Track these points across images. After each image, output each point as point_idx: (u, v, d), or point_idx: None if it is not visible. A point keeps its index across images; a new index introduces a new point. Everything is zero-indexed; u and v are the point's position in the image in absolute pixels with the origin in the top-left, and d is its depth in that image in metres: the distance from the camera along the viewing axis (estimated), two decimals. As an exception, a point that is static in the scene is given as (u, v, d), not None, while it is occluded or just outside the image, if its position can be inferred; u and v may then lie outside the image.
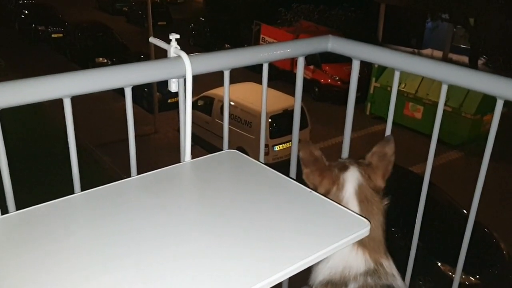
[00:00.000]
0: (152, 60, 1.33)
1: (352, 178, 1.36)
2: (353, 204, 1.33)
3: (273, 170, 1.37)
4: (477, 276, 7.14)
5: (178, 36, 1.35)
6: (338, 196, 1.35)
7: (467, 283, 7.06)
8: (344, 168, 1.39)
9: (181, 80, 1.40)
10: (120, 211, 1.16)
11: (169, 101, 12.88)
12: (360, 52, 1.60)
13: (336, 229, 1.13)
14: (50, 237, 1.05)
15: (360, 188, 1.35)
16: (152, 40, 1.44)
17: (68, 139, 1.26)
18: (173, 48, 1.35)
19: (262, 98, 1.67)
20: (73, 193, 1.27)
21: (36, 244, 1.02)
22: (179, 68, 1.34)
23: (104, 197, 1.21)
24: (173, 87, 1.39)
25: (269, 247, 1.05)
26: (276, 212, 1.19)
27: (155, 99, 12.47)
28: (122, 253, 1.01)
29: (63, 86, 1.20)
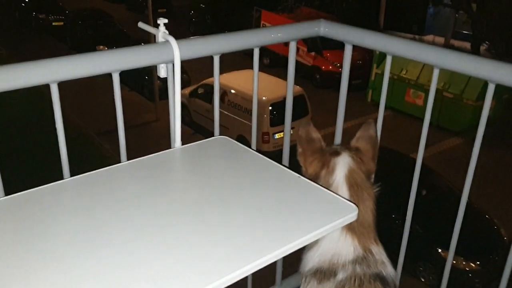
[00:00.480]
0: (140, 45, 1.32)
1: (343, 163, 1.36)
2: (343, 189, 1.33)
3: (263, 156, 1.37)
4: (478, 262, 7.18)
5: (166, 21, 1.33)
6: (328, 181, 1.34)
7: (467, 269, 7.10)
8: (335, 153, 1.39)
9: (170, 66, 1.39)
10: (108, 196, 1.16)
11: (169, 89, 12.86)
12: (352, 36, 1.59)
13: (324, 213, 1.13)
14: (38, 222, 1.05)
15: (351, 173, 1.35)
16: (141, 25, 1.43)
17: (56, 126, 1.26)
18: (161, 33, 1.33)
19: (254, 84, 1.66)
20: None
21: (24, 229, 1.02)
22: (167, 53, 1.33)
23: (93, 183, 1.21)
24: (161, 72, 1.38)
25: (257, 231, 1.06)
26: (264, 197, 1.19)
27: (156, 87, 12.45)
28: (109, 238, 1.01)
29: (50, 72, 1.19)
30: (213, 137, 1.50)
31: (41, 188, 1.16)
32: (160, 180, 1.25)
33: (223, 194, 1.19)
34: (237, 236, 1.03)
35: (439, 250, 7.17)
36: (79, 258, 0.95)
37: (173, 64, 1.35)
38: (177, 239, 1.02)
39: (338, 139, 1.79)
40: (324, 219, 1.10)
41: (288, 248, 1.01)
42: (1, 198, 1.15)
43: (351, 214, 1.13)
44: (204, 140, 1.47)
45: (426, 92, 12.29)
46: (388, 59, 1.53)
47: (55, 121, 1.25)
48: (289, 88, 1.74)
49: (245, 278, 1.80)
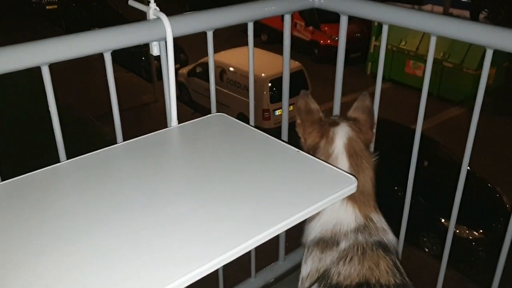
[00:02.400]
0: (131, 23, 1.30)
1: (342, 133, 1.35)
2: (343, 158, 1.32)
3: (261, 132, 1.36)
4: (481, 231, 7.23)
5: (156, -3, 1.31)
6: (327, 150, 1.34)
7: (471, 237, 7.15)
8: (334, 123, 1.38)
9: (163, 43, 1.36)
10: (106, 177, 1.16)
11: (167, 69, 12.77)
12: (346, 6, 1.56)
13: (323, 186, 1.13)
14: (37, 206, 1.05)
15: (350, 142, 1.34)
16: (131, 2, 1.40)
17: (50, 108, 1.24)
18: (152, 10, 1.31)
19: (249, 60, 1.64)
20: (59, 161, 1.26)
21: (23, 213, 1.02)
22: (159, 30, 1.30)
23: (90, 165, 1.21)
24: (154, 50, 1.36)
25: (257, 207, 1.05)
26: (263, 172, 1.19)
27: (153, 68, 12.35)
28: (108, 219, 1.01)
29: (40, 54, 1.17)
30: (209, 115, 1.49)
31: (38, 172, 1.15)
32: (158, 159, 1.24)
33: (221, 170, 1.19)
34: (238, 212, 1.03)
35: (442, 220, 7.21)
36: (80, 239, 0.95)
37: (166, 42, 1.32)
38: (178, 216, 1.02)
39: (336, 110, 1.77)
40: (324, 192, 1.10)
41: (290, 222, 1.00)
42: (1, 183, 1.15)
43: (350, 186, 1.12)
44: (200, 118, 1.46)
45: (426, 63, 12.23)
46: (385, 29, 1.50)
47: (48, 104, 1.23)
48: (285, 63, 1.72)
49: (248, 254, 1.81)
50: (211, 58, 1.54)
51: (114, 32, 1.27)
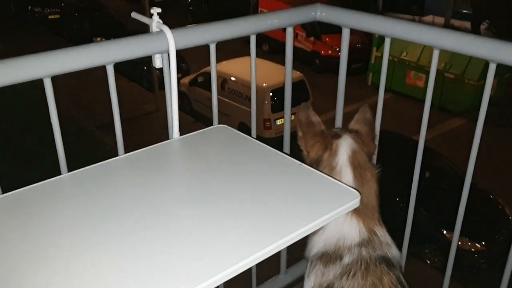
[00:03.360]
0: (134, 36, 1.30)
1: (345, 144, 1.35)
2: (347, 170, 1.32)
3: (263, 144, 1.35)
4: (483, 243, 7.18)
5: (159, 10, 1.31)
6: (331, 163, 1.33)
7: (473, 249, 7.11)
8: (337, 135, 1.38)
9: (166, 56, 1.36)
10: (107, 190, 1.15)
11: (169, 79, 12.82)
12: (349, 19, 1.56)
13: (326, 200, 1.12)
14: (39, 218, 1.04)
15: (354, 154, 1.34)
16: (134, 15, 1.40)
17: (51, 120, 1.24)
18: (155, 23, 1.31)
19: (251, 71, 1.64)
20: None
21: (25, 225, 1.02)
22: (162, 43, 1.30)
23: (92, 177, 1.20)
24: (157, 62, 1.36)
25: (259, 221, 1.04)
26: (266, 185, 1.18)
27: (155, 77, 12.39)
28: (111, 231, 1.00)
29: (43, 66, 1.17)
30: (211, 127, 1.49)
31: (39, 184, 1.15)
32: (160, 171, 1.24)
33: (223, 184, 1.18)
34: (240, 226, 1.02)
35: (444, 232, 7.17)
36: (81, 252, 0.95)
37: (168, 54, 1.32)
38: (179, 231, 1.01)
39: (339, 122, 1.77)
40: (326, 206, 1.09)
41: (292, 237, 1.00)
42: (0, 196, 1.14)
43: (353, 200, 1.11)
44: (202, 130, 1.45)
45: (427, 73, 12.20)
46: (387, 42, 1.50)
47: (50, 116, 1.23)
48: (287, 74, 1.72)
49: (249, 268, 1.79)
50: (213, 70, 1.54)
51: (117, 44, 1.27)
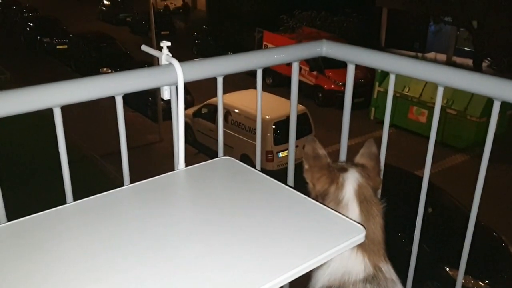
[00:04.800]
0: (143, 68, 1.32)
1: (352, 178, 1.34)
2: (353, 204, 1.31)
3: (268, 177, 1.35)
4: (486, 281, 7.06)
5: (169, 44, 1.34)
6: (337, 196, 1.32)
7: None
8: (343, 169, 1.38)
9: (174, 88, 1.39)
10: (111, 220, 1.15)
11: (173, 109, 12.96)
12: (354, 56, 1.59)
13: (331, 235, 1.11)
14: (42, 248, 1.04)
15: (360, 188, 1.33)
16: (144, 48, 1.43)
17: (59, 149, 1.25)
18: (165, 56, 1.34)
19: (257, 105, 1.66)
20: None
21: (28, 255, 1.01)
22: (170, 75, 1.33)
23: (96, 207, 1.20)
24: (165, 94, 1.38)
25: (263, 255, 1.04)
26: (270, 219, 1.17)
27: (159, 108, 12.50)
28: (113, 263, 0.99)
29: (53, 96, 1.19)
30: (216, 158, 1.49)
31: (44, 214, 1.14)
32: (164, 203, 1.24)
33: (228, 217, 1.18)
34: (243, 260, 1.02)
35: (447, 269, 7.06)
36: (82, 283, 0.94)
37: (177, 86, 1.34)
38: (182, 263, 1.00)
39: (343, 156, 1.77)
40: (331, 241, 1.08)
41: (296, 272, 0.99)
42: (4, 224, 1.14)
43: (359, 235, 1.11)
44: (207, 162, 1.46)
45: (429, 109, 12.35)
46: (392, 78, 1.52)
47: (58, 145, 1.24)
48: (292, 108, 1.74)
49: None
50: (220, 103, 1.56)
51: (127, 76, 1.29)
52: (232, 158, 1.47)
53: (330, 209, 1.20)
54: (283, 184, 1.33)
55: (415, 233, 1.63)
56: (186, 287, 0.93)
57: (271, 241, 1.08)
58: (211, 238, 1.09)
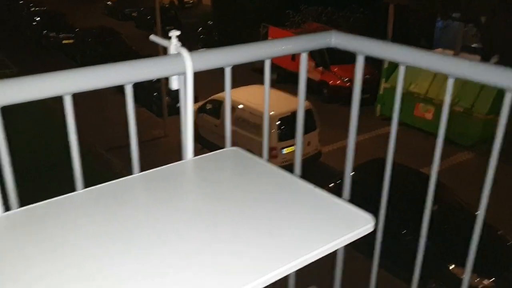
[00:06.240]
0: (153, 57, 1.32)
1: None
2: None
3: (277, 167, 1.35)
4: (492, 279, 7.04)
5: (178, 33, 1.34)
6: None
7: (480, 286, 6.96)
8: None
9: (182, 77, 1.38)
10: (121, 208, 1.16)
11: (178, 105, 12.98)
12: (363, 46, 1.58)
13: (340, 224, 1.11)
14: (53, 234, 1.05)
15: None
16: (153, 38, 1.43)
17: (69, 137, 1.25)
18: (173, 45, 1.34)
19: (265, 96, 1.66)
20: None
21: (39, 240, 1.02)
22: (179, 65, 1.33)
23: (106, 195, 1.21)
24: (174, 84, 1.38)
25: (271, 243, 1.04)
26: (278, 208, 1.18)
27: (164, 103, 12.53)
28: (122, 249, 1.00)
29: (63, 84, 1.19)
30: (224, 149, 1.49)
31: (56, 200, 1.15)
32: (173, 191, 1.24)
33: (236, 205, 1.18)
34: (251, 248, 1.02)
35: (451, 267, 7.05)
36: (97, 266, 0.95)
37: (186, 76, 1.34)
38: (189, 250, 1.01)
39: (350, 153, 1.77)
40: (340, 230, 1.08)
41: (304, 260, 0.99)
42: (17, 210, 1.15)
43: (368, 225, 1.11)
44: (216, 151, 1.46)
45: (436, 106, 12.27)
46: (401, 69, 1.51)
47: (68, 133, 1.24)
48: (300, 100, 1.73)
49: None
50: (228, 93, 1.56)
51: (137, 65, 1.29)
52: (240, 149, 1.47)
53: (339, 199, 1.20)
54: (291, 174, 1.33)
55: (421, 230, 1.63)
56: (194, 273, 0.93)
57: (279, 229, 1.09)
58: (218, 226, 1.09)
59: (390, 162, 1.62)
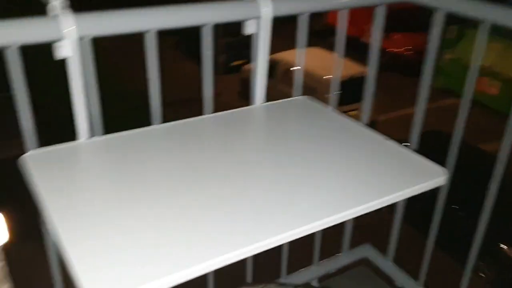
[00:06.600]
0: (229, 1, 1.34)
1: None
2: None
3: (348, 117, 1.36)
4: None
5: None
6: None
7: (531, 268, 6.76)
8: None
9: (258, 21, 1.39)
10: (194, 143, 1.23)
11: (232, 64, 12.98)
12: (444, 1, 1.51)
13: (411, 176, 1.11)
14: (130, 163, 1.12)
15: None
16: None
17: (149, 75, 1.31)
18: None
19: (338, 50, 1.64)
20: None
21: (116, 169, 1.10)
22: (255, 9, 1.34)
23: (180, 131, 1.28)
24: (250, 28, 1.39)
25: (335, 189, 1.05)
26: (347, 156, 1.19)
27: (220, 60, 12.58)
28: (188, 182, 1.05)
29: (150, 19, 1.23)
30: (295, 97, 1.51)
31: (137, 131, 1.23)
32: (242, 133, 1.29)
33: (305, 151, 1.20)
34: (319, 189, 1.04)
35: (501, 245, 6.86)
36: (173, 195, 1.00)
37: (260, 20, 1.35)
38: (257, 189, 1.04)
39: (418, 125, 1.73)
40: (411, 180, 1.09)
41: (377, 203, 1.00)
42: (101, 137, 1.22)
43: (440, 177, 1.10)
44: (287, 99, 1.48)
45: (503, 81, 11.60)
46: (484, 27, 1.43)
47: (148, 69, 1.30)
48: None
49: (280, 256, 1.79)
50: (301, 41, 1.56)
51: (217, 7, 1.31)
52: (311, 97, 1.48)
53: (412, 152, 1.20)
54: (362, 125, 1.33)
55: (483, 208, 1.59)
56: (258, 212, 0.96)
57: (345, 177, 1.09)
58: (285, 168, 1.12)
59: (459, 137, 1.57)
